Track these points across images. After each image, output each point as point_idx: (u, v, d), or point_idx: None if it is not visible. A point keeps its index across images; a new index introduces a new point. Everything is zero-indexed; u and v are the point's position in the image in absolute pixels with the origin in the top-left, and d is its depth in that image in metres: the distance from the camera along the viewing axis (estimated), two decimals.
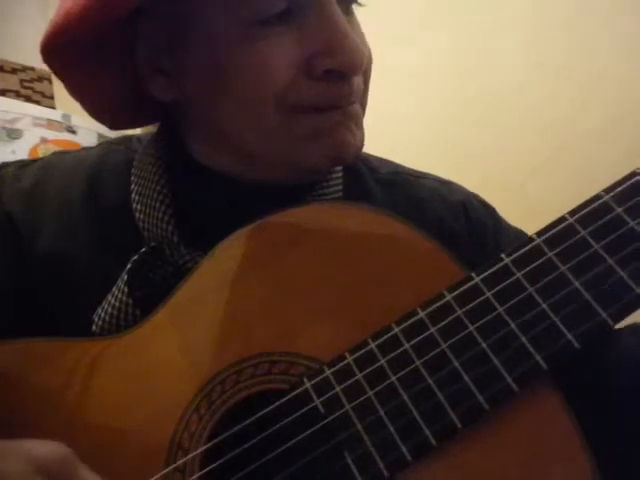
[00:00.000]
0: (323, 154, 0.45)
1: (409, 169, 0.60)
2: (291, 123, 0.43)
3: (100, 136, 1.96)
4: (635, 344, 0.43)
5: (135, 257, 0.45)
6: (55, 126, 1.91)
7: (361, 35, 0.47)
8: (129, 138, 0.58)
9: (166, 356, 0.40)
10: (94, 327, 0.45)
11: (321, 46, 0.42)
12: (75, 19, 0.40)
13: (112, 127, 0.54)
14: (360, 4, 0.47)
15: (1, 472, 0.29)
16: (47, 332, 0.42)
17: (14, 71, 2.27)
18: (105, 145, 0.58)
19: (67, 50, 0.43)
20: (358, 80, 0.45)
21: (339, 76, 0.43)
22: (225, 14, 0.41)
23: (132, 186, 0.50)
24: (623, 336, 0.44)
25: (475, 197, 0.59)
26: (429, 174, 0.60)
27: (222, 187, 0.49)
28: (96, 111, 0.51)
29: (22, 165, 0.55)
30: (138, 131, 0.59)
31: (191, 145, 0.50)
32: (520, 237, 0.56)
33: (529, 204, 1.18)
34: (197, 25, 0.43)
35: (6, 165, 0.55)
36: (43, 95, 2.32)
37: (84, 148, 0.59)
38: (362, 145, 0.47)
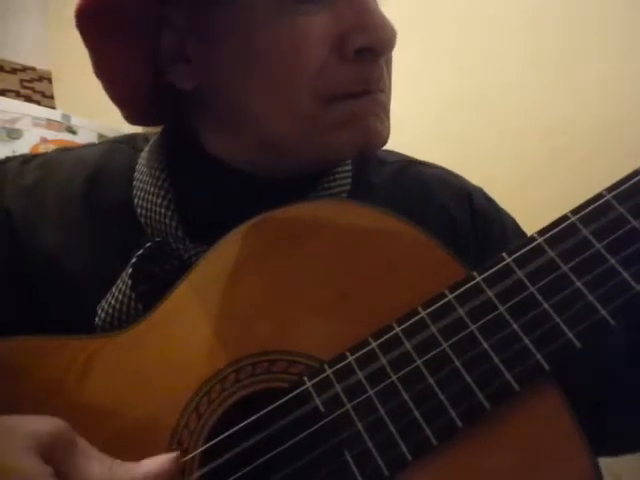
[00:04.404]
0: (352, 141, 0.45)
1: (415, 158, 0.60)
2: (323, 110, 0.43)
3: (100, 136, 1.96)
4: None
5: (140, 251, 0.45)
6: (55, 126, 1.91)
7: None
8: (134, 137, 0.57)
9: (164, 354, 0.40)
10: (97, 320, 0.45)
11: (353, 23, 0.42)
12: None
13: (128, 118, 0.52)
14: None
15: (8, 449, 0.31)
16: (46, 330, 0.42)
17: (14, 71, 2.27)
18: (108, 143, 0.57)
19: (100, 19, 0.42)
20: (383, 67, 0.45)
21: (370, 55, 0.43)
22: None
23: (134, 182, 0.50)
24: None
25: (480, 190, 0.59)
26: (435, 164, 0.60)
27: (229, 180, 0.48)
28: (115, 95, 0.49)
29: (24, 160, 0.55)
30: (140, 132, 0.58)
31: (205, 136, 0.49)
32: (517, 231, 0.57)
33: (529, 204, 1.18)
34: (226, 5, 0.42)
35: (9, 160, 0.55)
36: (43, 95, 2.32)
37: (86, 145, 0.59)
38: (388, 137, 0.47)
